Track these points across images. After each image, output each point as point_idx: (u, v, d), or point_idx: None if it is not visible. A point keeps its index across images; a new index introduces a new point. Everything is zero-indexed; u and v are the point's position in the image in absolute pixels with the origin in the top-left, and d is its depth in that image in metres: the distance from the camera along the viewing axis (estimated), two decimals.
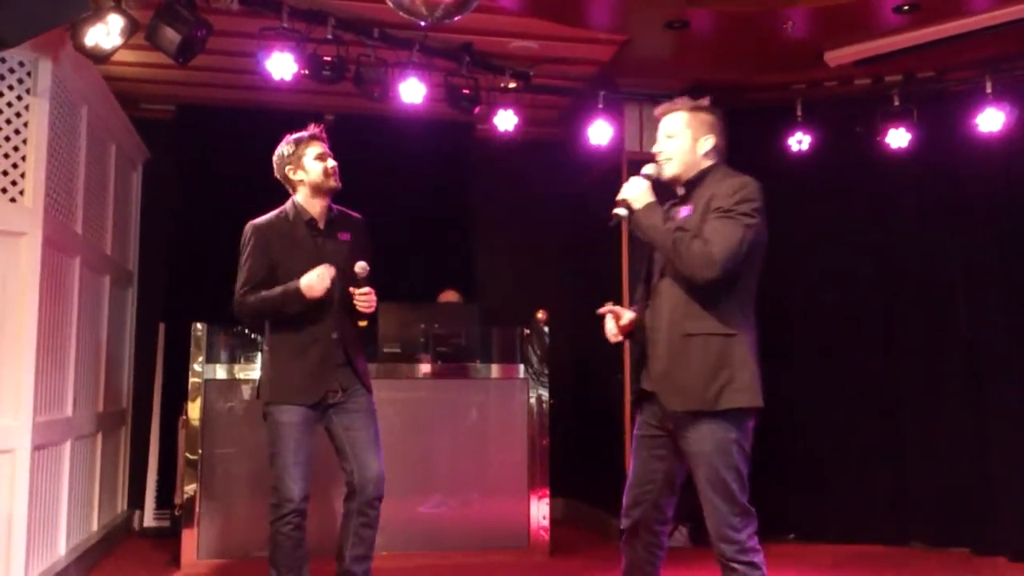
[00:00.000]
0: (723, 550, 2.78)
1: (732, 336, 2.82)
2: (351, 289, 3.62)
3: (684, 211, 2.96)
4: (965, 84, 5.45)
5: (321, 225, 3.76)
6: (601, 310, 3.08)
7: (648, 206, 2.95)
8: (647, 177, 3.03)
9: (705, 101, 3.09)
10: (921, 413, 5.68)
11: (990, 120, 5.23)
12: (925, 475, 5.63)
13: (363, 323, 3.68)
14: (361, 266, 3.62)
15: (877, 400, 5.79)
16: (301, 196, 3.77)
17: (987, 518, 5.36)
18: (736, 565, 2.76)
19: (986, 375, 5.47)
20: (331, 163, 3.75)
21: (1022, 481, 5.26)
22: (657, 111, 3.12)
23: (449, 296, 6.24)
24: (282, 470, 3.55)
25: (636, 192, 2.98)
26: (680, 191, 3.05)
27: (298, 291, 3.51)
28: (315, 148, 3.75)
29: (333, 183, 3.74)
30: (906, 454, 5.70)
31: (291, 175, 3.77)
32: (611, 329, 3.08)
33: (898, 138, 5.51)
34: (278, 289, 3.59)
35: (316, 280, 3.50)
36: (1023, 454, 5.28)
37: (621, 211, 2.99)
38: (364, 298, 3.62)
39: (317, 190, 3.74)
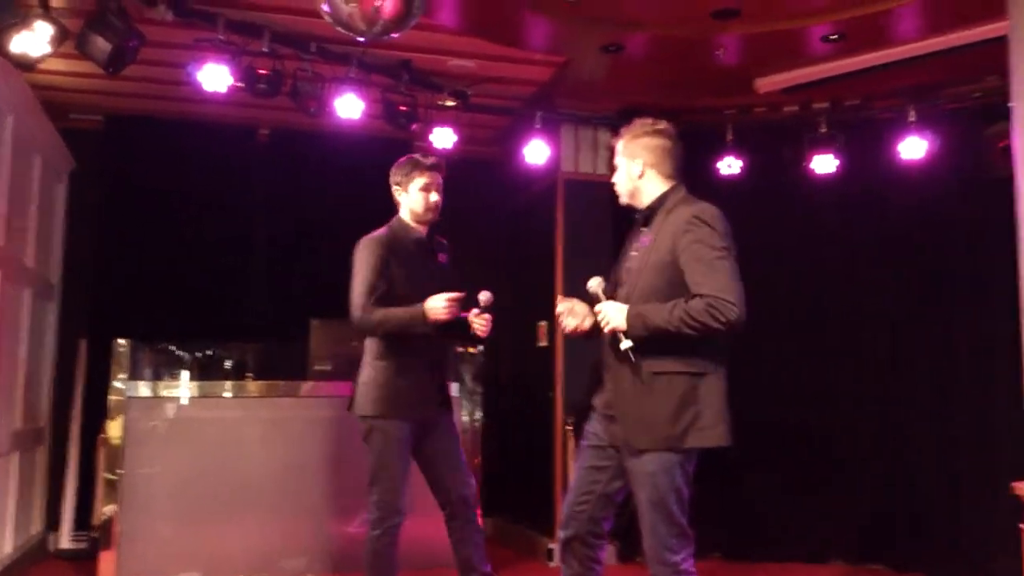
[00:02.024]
0: (658, 572, 2.79)
1: (700, 374, 2.83)
2: (472, 314, 3.66)
3: (645, 240, 2.97)
4: (889, 112, 5.63)
5: (427, 245, 3.87)
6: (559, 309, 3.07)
7: (633, 320, 2.81)
8: (594, 292, 2.95)
9: (647, 124, 3.06)
10: (843, 433, 5.80)
11: (912, 148, 5.40)
12: (846, 495, 5.74)
13: (473, 349, 3.75)
14: (486, 296, 3.66)
15: (799, 420, 5.88)
16: (405, 215, 3.86)
17: (906, 536, 5.49)
18: None
19: (908, 397, 5.62)
20: (434, 197, 3.79)
21: (940, 501, 5.41)
22: (612, 141, 3.20)
23: None
24: (392, 486, 3.69)
25: (619, 317, 2.83)
26: (642, 213, 3.05)
27: (424, 314, 3.56)
28: (423, 178, 3.78)
29: (431, 216, 3.81)
30: (828, 474, 5.81)
31: (396, 194, 3.88)
32: (570, 325, 3.05)
33: (825, 163, 5.66)
34: (403, 310, 3.62)
35: (441, 308, 3.53)
36: (941, 476, 5.43)
37: (628, 343, 2.82)
38: (483, 324, 3.66)
39: (415, 217, 3.82)
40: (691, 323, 2.73)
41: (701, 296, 2.74)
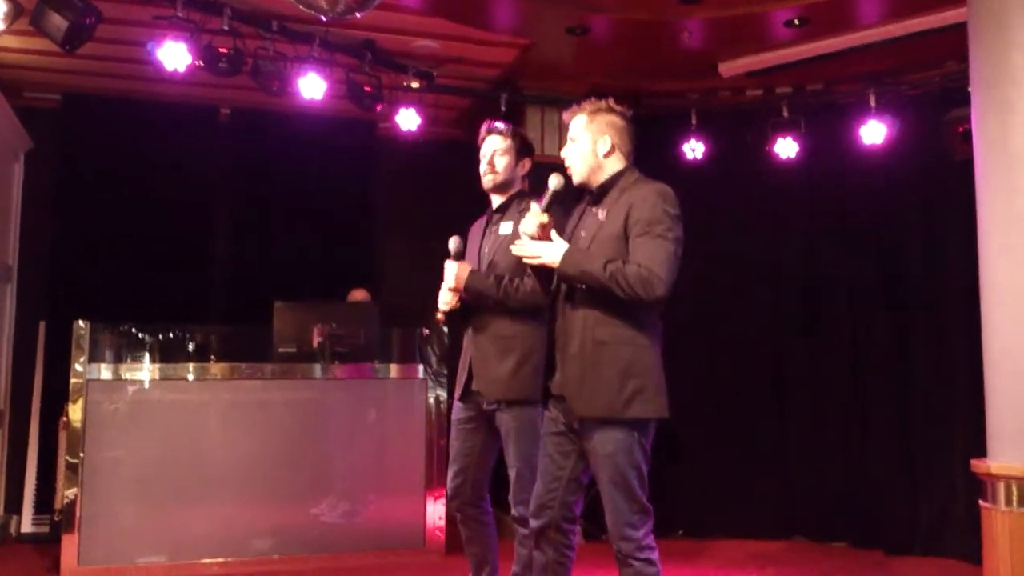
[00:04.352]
0: (621, 547, 2.83)
1: (643, 346, 2.87)
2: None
3: (600, 214, 2.95)
4: (850, 97, 5.69)
5: (491, 215, 3.64)
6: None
7: (569, 257, 2.84)
8: (552, 194, 2.96)
9: (608, 102, 3.05)
10: (805, 414, 5.90)
11: (873, 132, 5.47)
12: (808, 474, 5.85)
13: (439, 316, 3.54)
14: (455, 241, 3.50)
15: (763, 401, 5.99)
16: None
17: (866, 514, 5.60)
18: (633, 562, 2.82)
19: (867, 379, 5.71)
20: (483, 165, 3.54)
21: (898, 480, 5.51)
22: (564, 115, 3.11)
23: (358, 295, 6.16)
24: None
25: (552, 253, 2.85)
26: (596, 194, 3.02)
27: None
28: (482, 146, 3.57)
29: (487, 184, 3.55)
30: (790, 454, 5.92)
31: None
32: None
33: (787, 148, 5.71)
34: None
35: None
36: (900, 456, 5.53)
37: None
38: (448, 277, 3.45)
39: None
40: (622, 283, 2.75)
41: (639, 265, 2.78)
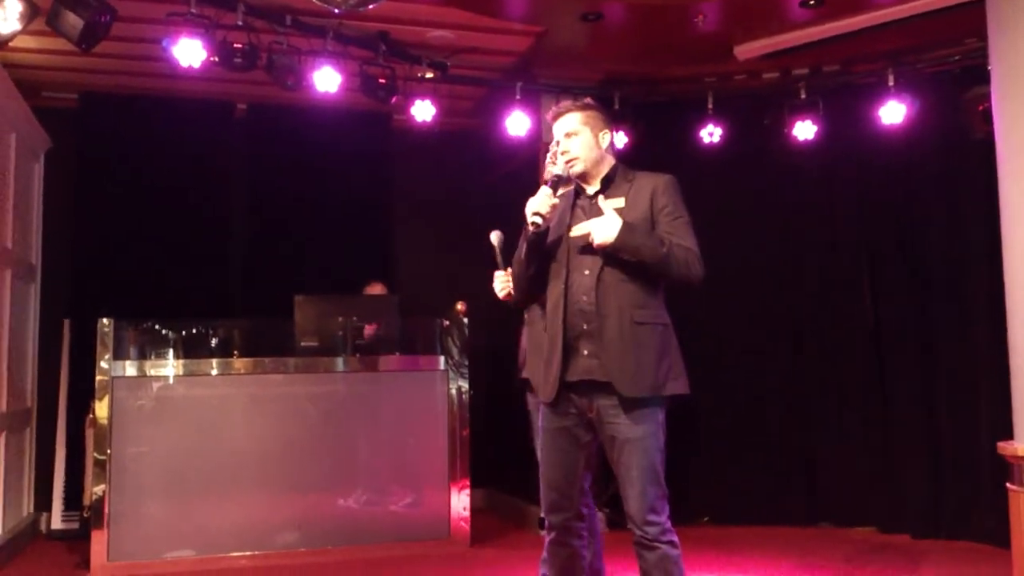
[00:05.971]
0: (647, 532, 2.83)
1: (669, 327, 2.95)
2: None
3: (607, 203, 2.94)
4: (869, 77, 5.63)
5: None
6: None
7: (624, 230, 2.83)
8: (556, 179, 2.98)
9: (587, 101, 3.10)
10: (829, 399, 5.87)
11: (892, 112, 5.41)
12: (833, 459, 5.81)
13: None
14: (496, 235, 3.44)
15: (786, 387, 5.96)
16: None
17: (891, 499, 5.57)
18: (659, 545, 2.83)
19: (890, 363, 5.68)
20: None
21: (923, 464, 5.48)
22: (548, 115, 3.13)
23: (375, 289, 6.17)
24: None
25: (611, 225, 2.84)
26: (595, 185, 3.03)
27: None
28: None
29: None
30: (814, 439, 5.89)
31: None
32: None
33: (804, 130, 5.66)
34: None
35: None
36: (924, 439, 5.50)
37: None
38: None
39: None
40: (680, 259, 2.85)
41: (683, 247, 2.88)
